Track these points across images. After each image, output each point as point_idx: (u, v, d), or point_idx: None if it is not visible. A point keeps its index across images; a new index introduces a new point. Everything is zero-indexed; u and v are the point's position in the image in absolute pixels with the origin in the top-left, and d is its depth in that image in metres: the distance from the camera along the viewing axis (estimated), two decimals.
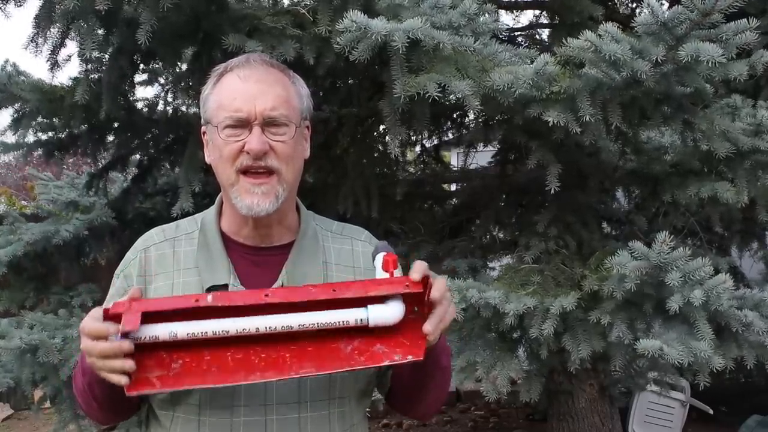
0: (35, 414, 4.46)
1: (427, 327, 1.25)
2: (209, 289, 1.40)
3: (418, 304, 1.28)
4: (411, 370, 1.43)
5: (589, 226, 3.54)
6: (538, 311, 2.76)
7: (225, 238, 1.48)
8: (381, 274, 1.30)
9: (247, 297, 1.25)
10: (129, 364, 1.20)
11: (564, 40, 2.16)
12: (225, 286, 1.41)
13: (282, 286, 1.42)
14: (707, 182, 2.81)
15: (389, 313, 1.25)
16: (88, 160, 4.46)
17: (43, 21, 2.77)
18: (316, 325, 1.24)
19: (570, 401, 4.14)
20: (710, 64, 2.05)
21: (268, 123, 1.38)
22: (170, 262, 1.47)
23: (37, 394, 3.86)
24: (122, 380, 1.21)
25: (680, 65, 2.13)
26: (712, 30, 2.11)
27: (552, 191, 2.75)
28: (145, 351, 1.23)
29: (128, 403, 1.41)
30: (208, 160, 1.48)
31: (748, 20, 2.09)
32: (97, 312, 1.25)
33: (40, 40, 2.91)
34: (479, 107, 2.06)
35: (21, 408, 6.32)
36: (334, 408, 1.42)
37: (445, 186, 5.22)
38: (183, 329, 1.22)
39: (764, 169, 2.84)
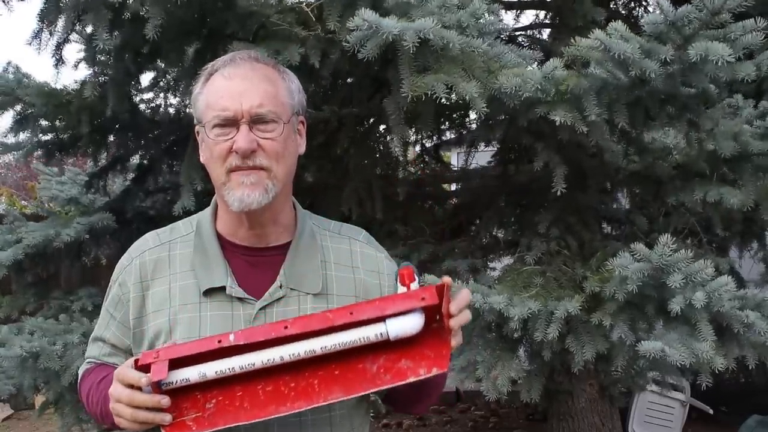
0: (36, 414, 4.47)
1: (453, 323, 1.26)
2: (206, 291, 1.41)
3: (439, 313, 1.28)
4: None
5: (590, 227, 3.53)
6: (542, 315, 2.75)
7: (221, 240, 1.48)
8: (400, 288, 1.31)
9: (267, 331, 1.27)
10: (168, 418, 1.25)
11: (573, 39, 2.16)
12: (222, 288, 1.42)
13: (281, 287, 1.43)
14: (713, 186, 2.82)
15: (408, 324, 1.26)
16: (90, 160, 4.45)
17: (49, 15, 2.75)
18: (338, 345, 1.25)
19: (570, 401, 4.15)
20: (718, 64, 2.04)
21: (256, 120, 1.37)
22: (166, 266, 1.47)
23: (40, 398, 3.85)
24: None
25: (688, 65, 2.13)
26: (720, 29, 2.11)
27: (558, 192, 2.75)
28: (179, 392, 1.26)
29: None
30: (202, 159, 1.48)
31: (755, 20, 2.09)
32: (130, 362, 1.28)
33: (45, 36, 2.89)
34: (485, 109, 2.05)
35: (21, 408, 6.31)
36: (335, 410, 1.41)
37: (446, 186, 5.22)
38: (211, 369, 1.25)
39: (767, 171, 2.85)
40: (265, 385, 1.28)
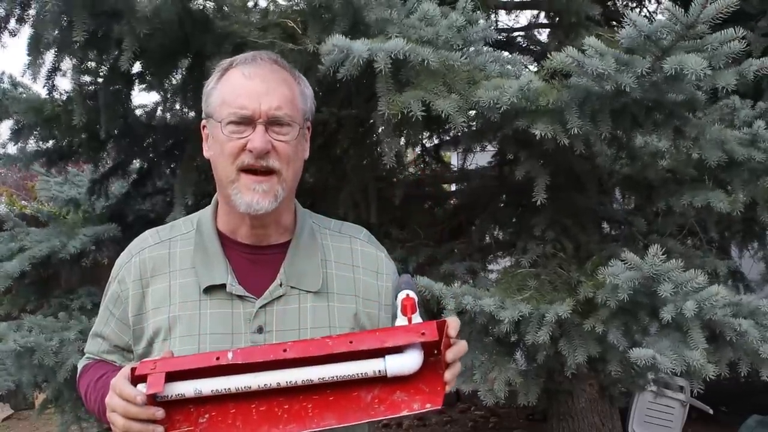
0: (36, 414, 4.50)
1: (448, 376, 1.28)
2: (206, 289, 1.43)
3: (437, 348, 1.30)
4: None
5: (587, 229, 3.51)
6: (534, 318, 2.75)
7: (222, 237, 1.49)
8: (401, 318, 1.32)
9: (266, 353, 1.28)
10: (160, 430, 1.26)
11: (549, 55, 2.15)
12: (222, 286, 1.43)
13: (281, 285, 1.44)
14: (701, 191, 2.80)
15: (407, 363, 1.27)
16: (89, 164, 4.46)
17: (33, 51, 2.78)
18: (335, 377, 1.27)
19: (570, 401, 4.15)
20: (694, 77, 2.03)
21: (272, 122, 1.38)
22: (166, 264, 1.48)
23: (40, 397, 3.88)
24: None
25: (666, 77, 2.11)
26: (698, 40, 2.09)
27: (544, 198, 2.74)
28: (172, 404, 1.28)
29: None
30: (206, 154, 1.48)
31: (734, 29, 2.07)
32: (127, 371, 1.29)
33: (35, 67, 2.93)
34: (464, 124, 2.05)
35: (21, 408, 6.36)
36: None
37: (445, 186, 5.21)
38: (207, 386, 1.27)
39: (763, 174, 2.81)
40: (259, 405, 1.29)
